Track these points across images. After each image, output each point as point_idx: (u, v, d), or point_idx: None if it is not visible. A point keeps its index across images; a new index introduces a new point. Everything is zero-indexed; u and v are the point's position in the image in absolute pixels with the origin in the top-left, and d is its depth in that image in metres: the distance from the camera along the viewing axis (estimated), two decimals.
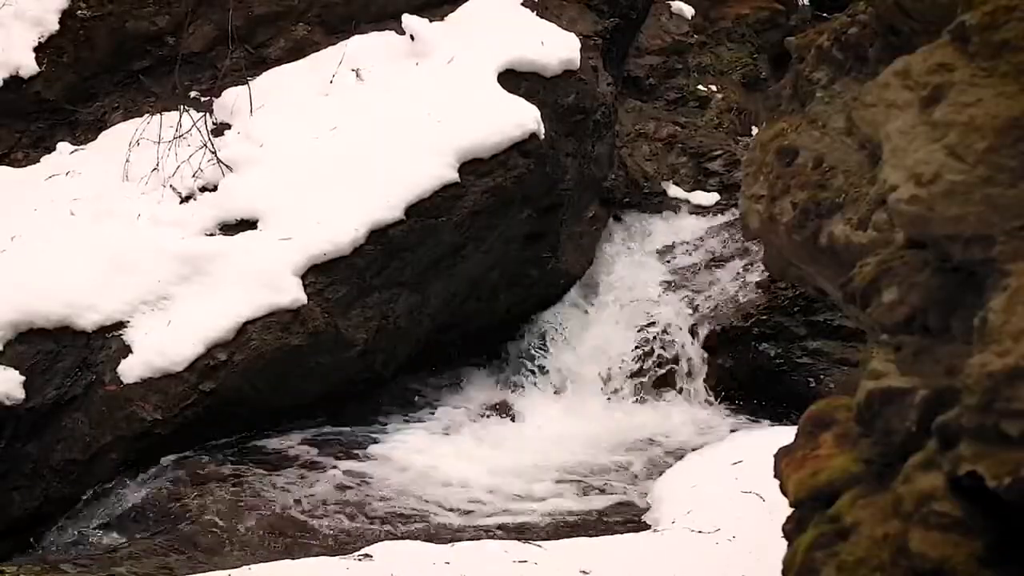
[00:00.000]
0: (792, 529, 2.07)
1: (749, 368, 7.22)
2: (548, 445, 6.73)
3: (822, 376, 6.97)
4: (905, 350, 1.93)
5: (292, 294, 6.44)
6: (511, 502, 6.15)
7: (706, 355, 7.29)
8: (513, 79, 7.24)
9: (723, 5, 9.52)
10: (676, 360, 7.30)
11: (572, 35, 7.57)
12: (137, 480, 6.25)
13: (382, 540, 5.25)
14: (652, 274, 7.81)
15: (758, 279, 7.44)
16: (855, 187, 2.62)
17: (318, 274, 6.55)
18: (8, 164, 7.24)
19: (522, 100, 7.12)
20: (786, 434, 2.24)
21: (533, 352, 7.52)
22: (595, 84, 7.63)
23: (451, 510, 6.04)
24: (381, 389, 7.07)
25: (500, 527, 5.87)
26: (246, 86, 7.29)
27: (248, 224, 6.68)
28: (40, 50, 7.37)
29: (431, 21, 7.53)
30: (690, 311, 7.46)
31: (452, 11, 7.69)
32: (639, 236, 8.14)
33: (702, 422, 7.05)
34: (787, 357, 7.14)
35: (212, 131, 7.13)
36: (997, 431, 1.63)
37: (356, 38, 7.49)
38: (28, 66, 7.32)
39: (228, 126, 7.24)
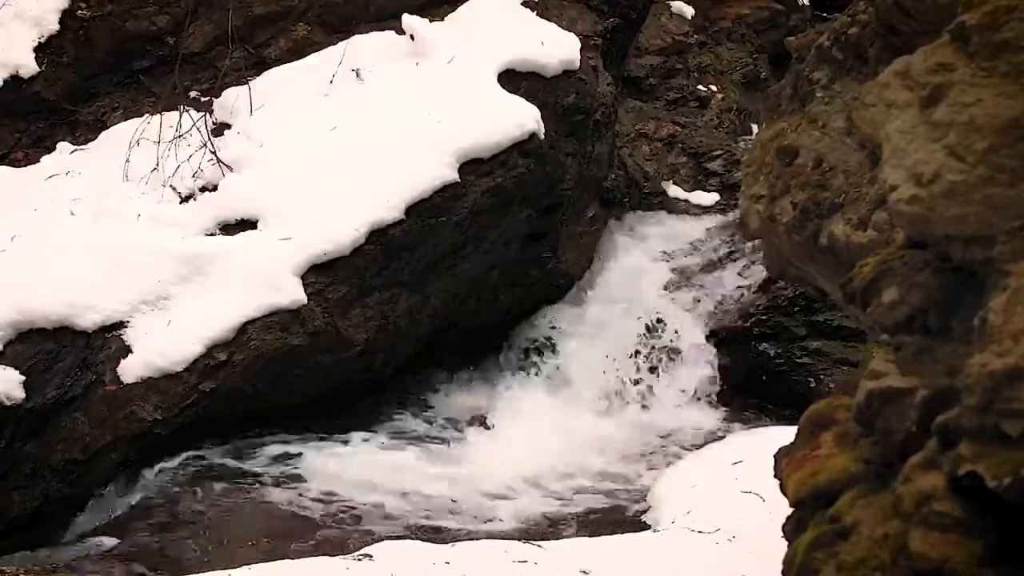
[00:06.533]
0: (792, 529, 2.07)
1: (749, 368, 7.22)
2: (547, 445, 6.73)
3: (822, 376, 6.98)
4: (905, 350, 1.93)
5: (292, 294, 6.44)
6: (510, 501, 6.16)
7: (706, 355, 7.29)
8: (513, 79, 7.24)
9: (723, 5, 9.53)
10: (675, 360, 7.30)
11: (572, 35, 7.56)
12: (137, 480, 6.25)
13: (382, 540, 5.25)
14: (652, 274, 7.81)
15: (758, 279, 7.44)
16: (855, 187, 2.62)
17: (318, 274, 6.55)
18: (8, 164, 7.23)
19: (522, 100, 7.12)
20: (786, 434, 2.24)
21: (532, 352, 7.51)
22: (595, 84, 7.62)
23: (451, 510, 6.04)
24: (380, 389, 7.07)
25: (500, 526, 5.88)
26: (246, 86, 7.28)
27: (248, 224, 6.68)
28: (40, 50, 7.36)
29: (431, 21, 7.53)
30: (690, 311, 7.46)
31: (452, 11, 7.68)
32: (639, 236, 8.14)
33: (701, 422, 7.05)
34: (787, 357, 7.14)
35: (212, 131, 7.13)
36: (997, 431, 1.63)
37: (356, 38, 7.48)
38: (28, 66, 7.31)
39: (228, 126, 7.24)
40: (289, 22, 7.68)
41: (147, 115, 7.21)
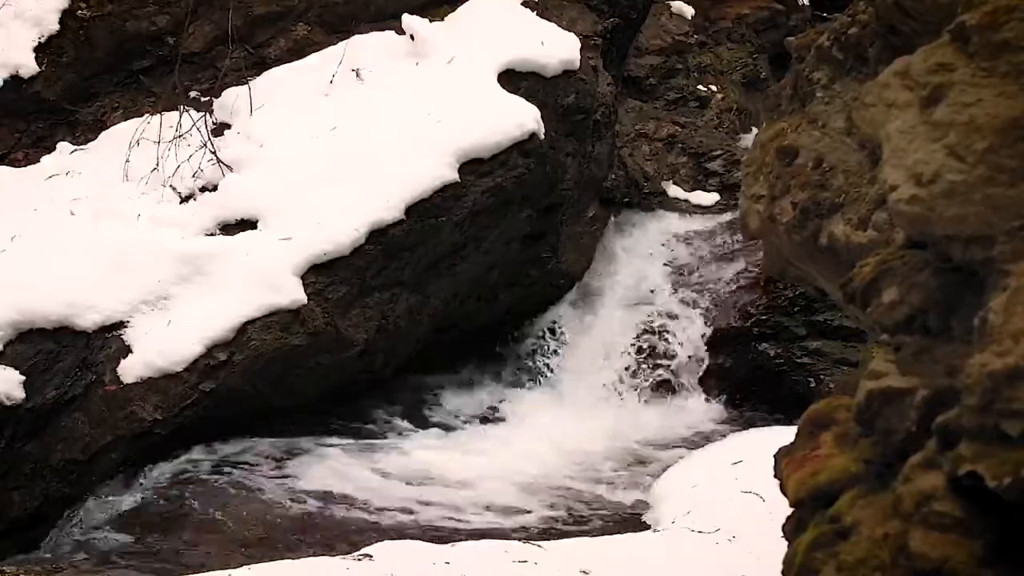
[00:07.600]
0: (792, 529, 2.07)
1: (749, 368, 7.23)
2: (547, 445, 6.73)
3: (822, 376, 6.98)
4: (905, 350, 1.93)
5: (292, 294, 6.44)
6: (510, 502, 6.16)
7: (706, 355, 7.29)
8: (513, 79, 7.24)
9: (723, 5, 9.51)
10: (676, 360, 7.30)
11: (572, 35, 7.57)
12: (137, 480, 6.25)
13: (382, 540, 5.25)
14: (652, 274, 7.81)
15: (758, 279, 7.44)
16: (855, 187, 2.62)
17: (318, 274, 6.55)
18: (8, 164, 7.23)
19: (522, 100, 7.13)
20: (786, 434, 2.24)
21: (532, 352, 7.52)
22: (595, 84, 7.62)
23: (451, 511, 6.04)
24: (380, 389, 7.07)
25: (500, 527, 5.87)
26: (246, 86, 7.28)
27: (248, 224, 6.68)
28: (40, 50, 7.37)
29: (431, 21, 7.53)
30: (690, 311, 7.46)
31: (452, 11, 7.68)
32: (639, 236, 8.14)
33: (702, 422, 7.05)
34: (787, 357, 7.14)
35: (212, 131, 7.13)
36: (997, 431, 1.63)
37: (356, 38, 7.49)
38: (28, 66, 7.31)
39: (228, 126, 7.24)
40: (289, 22, 7.69)
41: (147, 115, 7.21)
